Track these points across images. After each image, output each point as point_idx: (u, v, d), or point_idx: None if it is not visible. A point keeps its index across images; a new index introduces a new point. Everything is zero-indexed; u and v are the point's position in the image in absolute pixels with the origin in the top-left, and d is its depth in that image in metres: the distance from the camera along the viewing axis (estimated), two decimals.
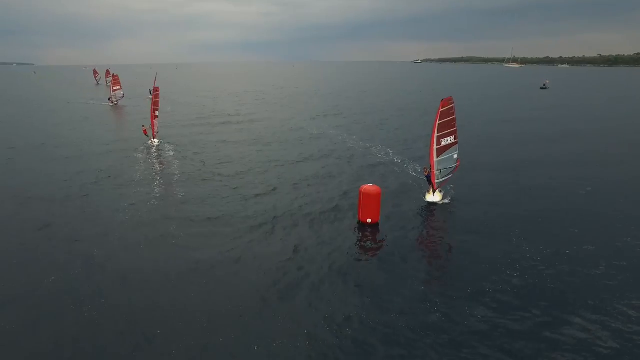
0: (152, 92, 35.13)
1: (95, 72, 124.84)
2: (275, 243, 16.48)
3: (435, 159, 19.76)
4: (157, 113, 33.88)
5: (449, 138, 19.81)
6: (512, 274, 13.99)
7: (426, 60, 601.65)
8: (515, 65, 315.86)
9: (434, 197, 20.63)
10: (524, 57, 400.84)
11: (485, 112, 55.85)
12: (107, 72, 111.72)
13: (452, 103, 19.51)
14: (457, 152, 20.34)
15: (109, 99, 65.80)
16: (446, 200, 20.74)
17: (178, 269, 14.48)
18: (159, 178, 25.38)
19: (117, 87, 65.74)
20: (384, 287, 13.40)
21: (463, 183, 23.18)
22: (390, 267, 14.66)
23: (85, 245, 16.27)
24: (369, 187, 17.87)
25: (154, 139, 34.23)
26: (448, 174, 20.67)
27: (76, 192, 22.67)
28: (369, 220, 17.88)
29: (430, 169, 20.11)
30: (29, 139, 37.68)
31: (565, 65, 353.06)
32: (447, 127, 19.50)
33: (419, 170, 26.15)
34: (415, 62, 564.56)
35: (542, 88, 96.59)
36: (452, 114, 19.58)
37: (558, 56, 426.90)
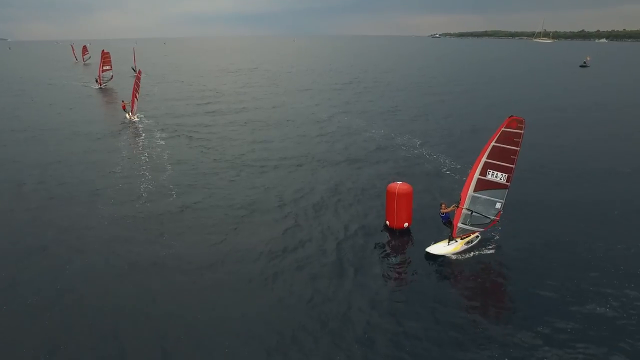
0: (135, 70, 38.89)
1: (73, 48, 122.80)
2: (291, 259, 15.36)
3: (470, 192, 15.08)
4: (137, 95, 37.66)
5: (499, 174, 14.89)
6: (575, 303, 12.69)
7: (445, 35, 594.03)
8: (547, 40, 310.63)
9: (445, 246, 15.36)
10: (556, 31, 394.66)
11: (525, 96, 53.47)
12: (84, 49, 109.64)
13: (522, 126, 14.37)
14: (503, 200, 15.20)
15: (95, 80, 61.94)
16: (460, 252, 15.46)
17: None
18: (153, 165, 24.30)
19: (107, 67, 61.56)
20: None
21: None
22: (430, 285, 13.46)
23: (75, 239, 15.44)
24: (400, 185, 16.49)
25: (132, 115, 37.82)
26: (478, 225, 15.54)
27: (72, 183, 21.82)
28: (405, 225, 16.75)
29: (459, 203, 15.13)
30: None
31: (603, 40, 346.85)
32: (503, 156, 14.70)
33: (454, 166, 24.79)
34: (433, 36, 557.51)
35: (582, 66, 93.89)
36: (517, 143, 14.47)
37: (595, 30, 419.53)
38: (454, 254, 15.21)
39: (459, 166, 24.37)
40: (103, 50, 61.47)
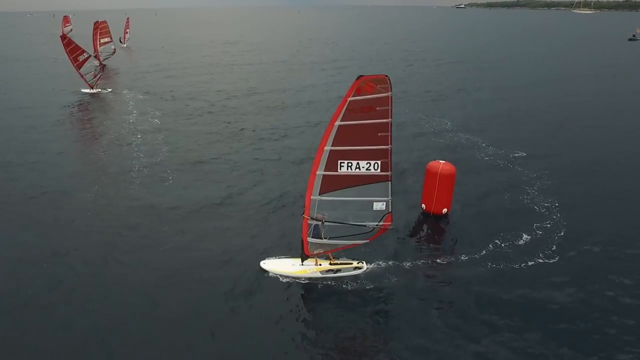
0: (121, 41, 37.52)
1: (67, 19, 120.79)
2: None
3: (315, 194, 12.20)
4: (80, 58, 38.11)
5: (362, 163, 11.85)
6: None
7: (471, 5, 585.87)
8: (588, 11, 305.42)
9: (292, 265, 13.30)
10: (598, 1, 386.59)
11: (569, 71, 52.88)
12: (65, 19, 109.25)
13: (387, 86, 11.19)
14: (386, 198, 12.40)
15: (94, 56, 55.19)
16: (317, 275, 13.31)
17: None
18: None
19: (107, 39, 57.53)
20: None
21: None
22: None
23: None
24: (443, 165, 16.18)
25: (92, 88, 39.22)
26: (351, 237, 12.94)
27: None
28: (444, 211, 16.58)
29: (304, 210, 12.53)
30: None
31: None
32: (359, 136, 11.52)
33: (495, 150, 24.62)
34: (458, 7, 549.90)
35: (631, 39, 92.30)
36: (385, 112, 11.35)
37: None
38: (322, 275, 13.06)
39: (500, 151, 24.21)
40: (100, 21, 57.11)
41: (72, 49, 38.36)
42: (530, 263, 14.14)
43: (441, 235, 16.23)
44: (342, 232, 12.68)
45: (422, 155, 22.75)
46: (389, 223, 12.76)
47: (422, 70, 52.21)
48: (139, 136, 27.26)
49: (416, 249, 15.10)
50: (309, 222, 12.43)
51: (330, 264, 13.27)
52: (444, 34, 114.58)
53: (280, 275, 13.20)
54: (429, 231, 16.26)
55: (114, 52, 59.53)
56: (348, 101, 11.10)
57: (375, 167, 11.90)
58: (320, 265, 13.22)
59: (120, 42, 77.60)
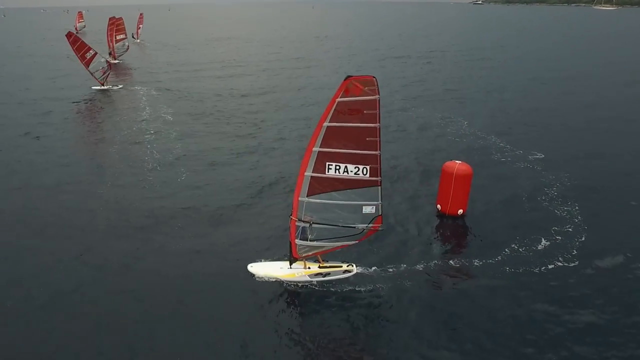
0: (134, 37, 37.39)
1: (80, 15, 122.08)
2: None
3: (303, 196, 12.06)
4: (88, 55, 38.49)
5: (350, 167, 11.63)
6: None
7: (489, 2, 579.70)
8: (610, 7, 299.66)
9: (280, 268, 13.21)
10: None
11: (597, 70, 52.02)
12: (79, 15, 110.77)
13: (374, 88, 10.90)
14: (377, 202, 12.21)
15: (109, 54, 55.66)
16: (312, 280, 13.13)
17: None
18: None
19: (122, 36, 57.77)
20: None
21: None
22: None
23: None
24: (459, 165, 16.11)
25: (102, 85, 39.85)
26: (338, 239, 12.74)
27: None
28: (460, 212, 16.45)
29: (292, 211, 12.44)
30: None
31: None
32: (348, 139, 11.33)
33: (513, 151, 24.27)
34: (475, 3, 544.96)
35: None
36: (373, 116, 11.09)
37: None
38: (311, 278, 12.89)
39: (519, 152, 23.86)
40: (115, 17, 57.06)
41: (78, 46, 38.36)
42: (550, 267, 13.84)
43: (455, 237, 16.06)
44: (330, 234, 12.50)
45: (439, 155, 22.54)
46: (379, 225, 12.54)
47: (441, 68, 51.69)
48: (152, 132, 27.49)
49: (427, 250, 14.92)
50: (296, 224, 12.29)
51: (320, 267, 13.07)
52: (462, 31, 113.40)
53: (268, 279, 13.02)
54: (443, 232, 16.14)
55: (127, 49, 59.94)
56: (336, 102, 10.91)
57: (364, 172, 11.69)
58: (309, 268, 13.05)
59: (133, 37, 78.31)
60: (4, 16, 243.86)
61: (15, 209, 17.82)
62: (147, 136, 26.75)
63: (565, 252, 14.57)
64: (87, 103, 36.09)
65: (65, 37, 38.81)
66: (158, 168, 21.86)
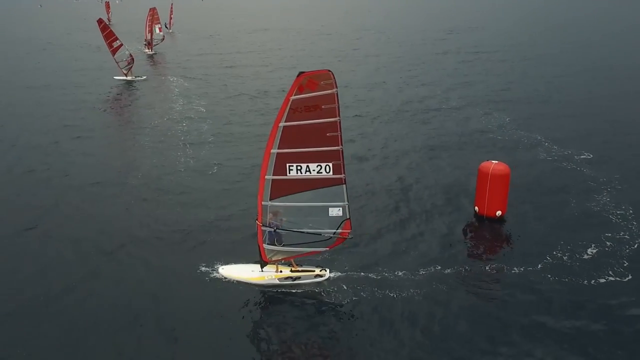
0: (167, 26, 38.01)
1: (107, 5, 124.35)
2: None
3: (265, 199, 11.89)
4: (114, 45, 39.44)
5: (312, 166, 11.40)
6: None
7: None
8: None
9: (252, 271, 13.00)
10: None
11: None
12: (107, 5, 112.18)
13: (331, 82, 10.65)
14: (343, 202, 11.85)
15: (145, 45, 56.67)
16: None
17: None
18: None
19: (159, 26, 58.91)
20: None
21: None
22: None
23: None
24: (495, 165, 15.67)
25: (126, 75, 40.89)
26: (308, 245, 12.42)
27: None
28: (498, 213, 15.96)
29: (257, 215, 12.24)
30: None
31: None
32: (306, 138, 11.11)
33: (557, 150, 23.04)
34: None
35: None
36: (332, 110, 10.84)
37: None
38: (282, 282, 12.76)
39: (566, 152, 22.61)
40: (152, 8, 57.06)
41: (107, 34, 40.01)
42: (600, 280, 12.81)
43: (492, 240, 15.54)
44: (299, 239, 12.24)
45: (479, 154, 21.63)
46: (348, 231, 12.12)
47: (480, 62, 49.67)
48: (184, 124, 27.89)
49: (461, 253, 14.38)
50: (262, 228, 12.05)
51: (291, 270, 12.86)
52: (500, 23, 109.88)
53: (238, 282, 12.79)
54: (479, 235, 15.66)
55: (163, 39, 60.83)
56: (290, 100, 10.59)
57: (327, 170, 11.40)
58: (280, 272, 12.82)
59: (167, 27, 79.18)
60: (41, 6, 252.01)
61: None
62: (179, 126, 27.13)
63: (617, 262, 13.51)
64: (112, 94, 37.21)
65: (97, 23, 40.96)
66: (194, 161, 22.19)
